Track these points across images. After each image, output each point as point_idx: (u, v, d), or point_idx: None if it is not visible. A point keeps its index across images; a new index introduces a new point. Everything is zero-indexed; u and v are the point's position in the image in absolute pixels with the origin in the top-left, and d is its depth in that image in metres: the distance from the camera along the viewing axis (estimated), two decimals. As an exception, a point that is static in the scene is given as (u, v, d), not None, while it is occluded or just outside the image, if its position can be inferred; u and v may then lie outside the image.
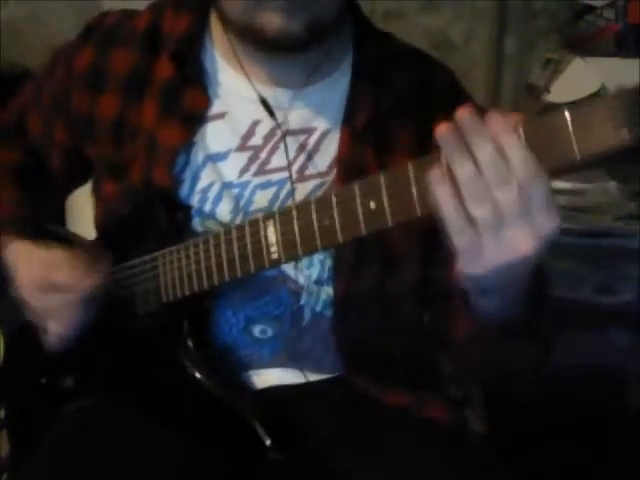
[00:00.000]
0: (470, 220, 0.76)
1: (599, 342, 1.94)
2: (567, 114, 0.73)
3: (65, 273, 1.02)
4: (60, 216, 1.45)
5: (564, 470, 1.74)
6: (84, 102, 1.13)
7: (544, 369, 0.99)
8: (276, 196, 1.06)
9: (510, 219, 0.75)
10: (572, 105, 0.73)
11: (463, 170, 0.75)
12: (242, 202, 1.06)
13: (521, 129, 0.75)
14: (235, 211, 1.06)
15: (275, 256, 0.92)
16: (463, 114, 0.76)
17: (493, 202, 0.75)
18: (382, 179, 0.83)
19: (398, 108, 1.07)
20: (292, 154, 1.06)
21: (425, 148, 1.05)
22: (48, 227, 1.23)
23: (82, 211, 1.23)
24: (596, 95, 2.09)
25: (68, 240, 1.22)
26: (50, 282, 1.03)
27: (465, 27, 2.35)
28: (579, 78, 2.13)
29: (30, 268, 1.06)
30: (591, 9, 2.19)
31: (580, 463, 1.77)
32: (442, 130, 0.76)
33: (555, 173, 0.75)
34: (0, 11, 2.31)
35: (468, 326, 0.93)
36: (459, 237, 0.77)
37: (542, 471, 1.68)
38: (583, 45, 2.19)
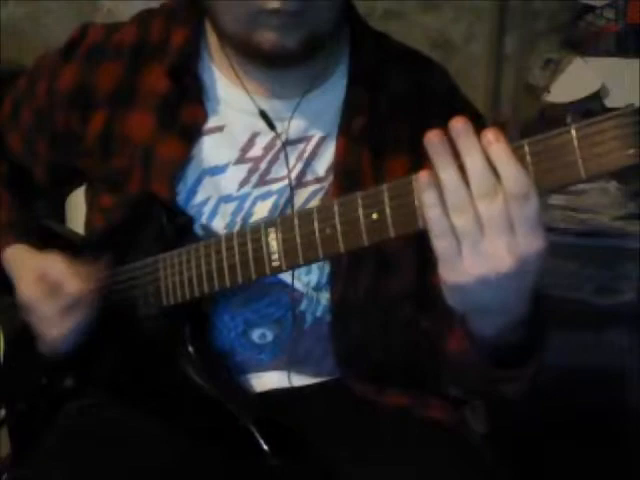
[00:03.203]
0: (452, 227, 0.77)
1: (599, 342, 1.94)
2: (573, 133, 0.73)
3: (64, 276, 1.03)
4: (59, 216, 1.44)
5: (564, 470, 1.73)
6: (71, 122, 1.12)
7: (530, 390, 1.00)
8: (276, 205, 1.06)
9: (490, 232, 0.75)
10: (578, 123, 0.73)
11: (447, 177, 0.76)
12: (241, 214, 1.06)
13: (526, 146, 0.75)
14: (231, 226, 1.05)
15: (276, 264, 0.92)
16: (457, 122, 0.76)
17: (475, 213, 0.75)
18: (385, 191, 0.83)
19: (394, 111, 1.07)
20: (292, 162, 1.06)
21: (422, 151, 1.05)
22: (47, 224, 1.23)
23: (82, 211, 1.22)
24: (596, 95, 2.10)
25: (67, 237, 1.22)
26: (49, 286, 1.03)
27: (465, 27, 2.35)
28: (579, 78, 2.13)
29: (29, 272, 1.06)
30: (591, 9, 2.19)
31: (580, 463, 1.77)
32: (430, 136, 0.77)
33: (559, 189, 0.76)
34: (0, 11, 2.31)
35: (459, 344, 0.93)
36: (439, 242, 0.78)
37: (542, 471, 1.68)
38: (583, 45, 2.19)
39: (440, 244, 0.78)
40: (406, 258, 1.04)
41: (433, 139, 0.77)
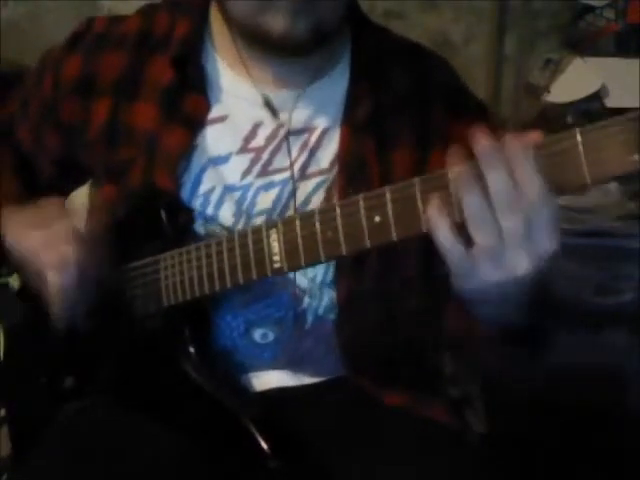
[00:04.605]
0: (468, 243, 0.77)
1: (599, 342, 1.94)
2: (578, 137, 0.73)
3: (60, 207, 1.03)
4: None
5: (564, 470, 1.73)
6: (75, 110, 1.13)
7: (535, 369, 1.00)
8: (279, 197, 1.06)
9: (510, 244, 0.76)
10: (583, 127, 0.73)
11: (472, 202, 0.77)
12: (245, 204, 1.06)
13: (531, 151, 0.75)
14: (238, 214, 1.05)
15: (277, 265, 0.92)
16: (481, 145, 0.76)
17: (496, 227, 0.76)
18: (388, 193, 0.83)
19: (397, 102, 1.07)
20: (294, 153, 1.06)
21: (425, 142, 1.05)
22: None
23: (82, 210, 1.22)
24: (596, 95, 2.10)
25: None
26: (44, 215, 1.02)
27: (465, 27, 2.35)
28: (579, 78, 2.13)
29: (24, 215, 1.05)
30: (591, 9, 2.19)
31: (580, 463, 1.77)
32: (454, 165, 0.78)
33: (564, 194, 0.76)
34: (0, 11, 2.31)
35: (458, 321, 0.94)
36: (455, 262, 0.79)
37: (542, 471, 1.68)
38: (583, 45, 2.19)
39: (456, 261, 0.79)
40: (411, 252, 1.04)
41: (456, 168, 0.77)
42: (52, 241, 1.00)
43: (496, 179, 0.76)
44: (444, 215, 0.78)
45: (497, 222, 0.76)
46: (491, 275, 0.78)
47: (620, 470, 1.73)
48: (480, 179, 0.76)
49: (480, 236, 0.77)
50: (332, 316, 1.06)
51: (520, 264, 0.77)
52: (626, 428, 1.82)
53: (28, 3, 2.36)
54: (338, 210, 0.86)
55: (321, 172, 1.06)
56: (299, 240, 0.89)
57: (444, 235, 0.79)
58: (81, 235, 1.00)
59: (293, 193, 1.05)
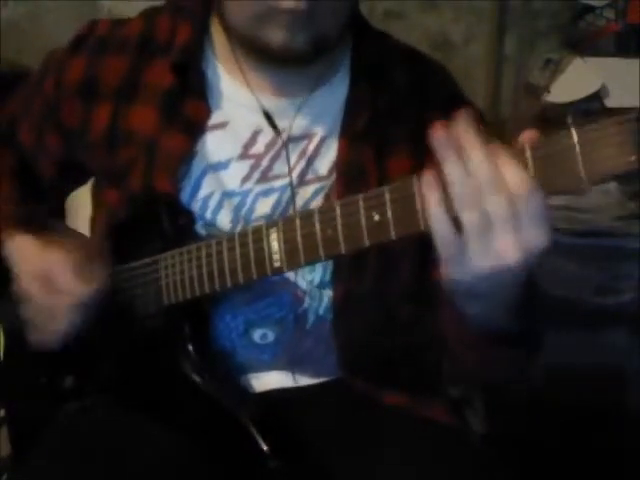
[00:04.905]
0: (457, 225, 0.77)
1: (599, 342, 1.94)
2: (575, 137, 0.73)
3: (65, 276, 1.02)
4: (59, 215, 1.44)
5: (563, 470, 1.74)
6: (77, 112, 1.13)
7: (531, 371, 1.00)
8: (278, 203, 1.06)
9: (497, 227, 0.76)
10: (579, 127, 0.73)
11: (454, 171, 0.76)
12: (244, 210, 1.06)
13: (528, 151, 0.75)
14: (235, 220, 1.06)
15: (277, 264, 0.92)
16: (461, 118, 0.76)
17: (482, 207, 0.76)
18: (387, 192, 0.83)
19: (396, 109, 1.07)
20: (293, 160, 1.06)
21: (423, 149, 1.05)
22: (49, 224, 1.22)
23: (82, 211, 1.23)
24: (596, 95, 2.10)
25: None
26: (50, 283, 1.03)
27: (465, 27, 2.36)
28: (579, 78, 2.13)
29: (30, 265, 1.05)
30: (591, 9, 2.19)
31: (580, 463, 1.77)
32: (437, 131, 0.77)
33: (561, 194, 0.76)
34: (0, 11, 2.32)
35: (453, 328, 0.93)
36: (444, 242, 0.78)
37: (541, 471, 1.68)
38: (583, 45, 2.20)
39: (445, 245, 0.78)
40: (407, 255, 1.04)
41: (438, 134, 0.77)
42: (54, 280, 1.02)
43: (477, 154, 0.76)
44: (436, 187, 0.78)
45: (481, 200, 0.76)
46: (480, 261, 0.77)
47: (620, 470, 1.73)
48: (463, 154, 0.76)
49: (465, 214, 0.76)
50: (331, 316, 1.06)
51: (508, 250, 0.76)
52: (626, 428, 1.82)
53: (28, 3, 2.36)
54: (338, 209, 0.87)
55: (319, 179, 1.06)
56: (299, 239, 0.90)
57: (434, 209, 0.78)
58: (81, 263, 1.01)
59: (292, 199, 1.05)
